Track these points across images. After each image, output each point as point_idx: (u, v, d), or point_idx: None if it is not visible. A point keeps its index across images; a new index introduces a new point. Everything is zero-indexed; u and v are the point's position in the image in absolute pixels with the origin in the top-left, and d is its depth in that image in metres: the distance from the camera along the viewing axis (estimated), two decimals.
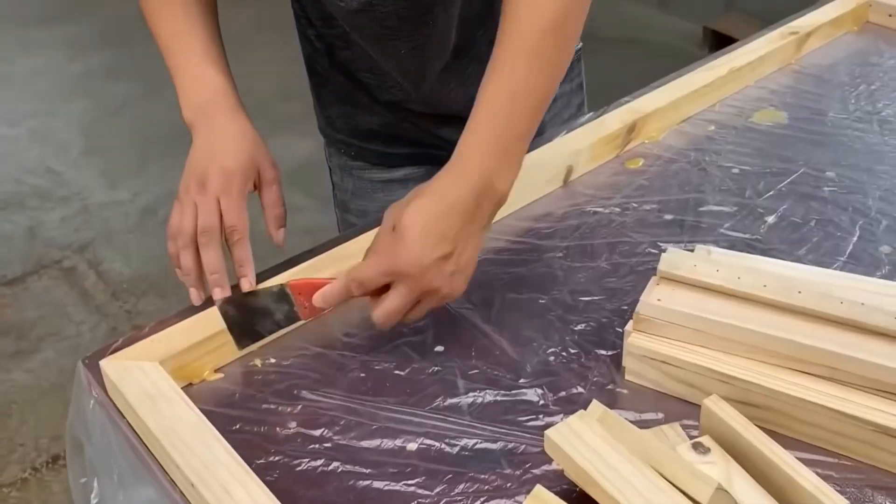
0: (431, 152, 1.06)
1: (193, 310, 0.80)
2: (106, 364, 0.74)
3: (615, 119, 1.07)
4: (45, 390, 1.86)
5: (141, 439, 0.71)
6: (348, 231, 0.91)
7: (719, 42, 2.93)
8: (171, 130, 2.88)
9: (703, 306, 0.73)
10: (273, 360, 0.79)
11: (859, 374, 0.67)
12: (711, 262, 0.78)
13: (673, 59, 1.23)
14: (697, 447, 0.64)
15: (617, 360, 0.78)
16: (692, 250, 0.84)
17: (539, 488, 0.63)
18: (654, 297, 0.75)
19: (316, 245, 0.88)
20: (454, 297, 0.76)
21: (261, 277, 0.82)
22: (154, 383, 0.72)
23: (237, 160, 0.82)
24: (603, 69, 3.21)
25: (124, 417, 0.73)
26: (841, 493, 0.63)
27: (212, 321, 0.78)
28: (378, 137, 1.07)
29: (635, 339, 0.75)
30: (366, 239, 0.83)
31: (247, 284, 0.80)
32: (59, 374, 1.86)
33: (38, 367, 1.93)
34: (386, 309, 0.73)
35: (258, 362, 0.79)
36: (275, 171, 0.86)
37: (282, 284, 0.76)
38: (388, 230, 0.74)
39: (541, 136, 1.04)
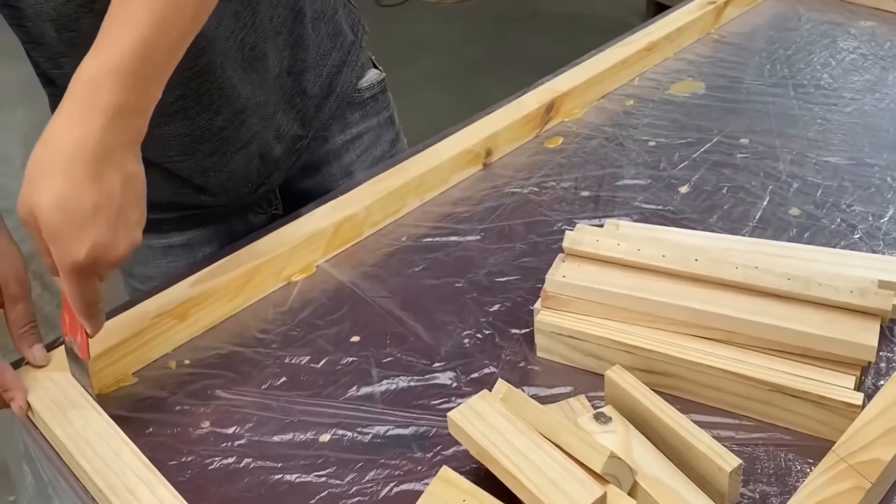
0: (202, 213, 0.97)
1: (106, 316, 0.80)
2: None
3: (532, 99, 1.08)
4: None
5: (54, 449, 0.71)
6: (136, 295, 0.83)
7: (661, 11, 2.94)
8: None
9: (605, 279, 0.74)
10: (187, 362, 0.79)
11: (754, 335, 0.68)
12: (616, 235, 0.79)
13: (615, 32, 1.24)
14: (599, 417, 0.65)
15: (530, 338, 0.78)
16: (603, 225, 0.85)
17: (445, 469, 0.64)
18: (560, 274, 0.76)
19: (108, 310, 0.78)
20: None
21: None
22: (63, 392, 0.72)
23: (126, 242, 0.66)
24: (545, 45, 3.24)
25: (37, 429, 0.73)
26: (740, 452, 0.65)
27: (122, 327, 0.78)
28: (165, 206, 0.94)
29: (543, 317, 0.76)
30: (155, 302, 0.80)
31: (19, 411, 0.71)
32: None
33: None
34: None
35: (173, 364, 0.79)
36: (21, 287, 0.75)
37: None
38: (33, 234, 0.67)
39: (351, 178, 1.01)
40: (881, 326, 0.70)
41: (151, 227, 0.89)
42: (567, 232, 0.79)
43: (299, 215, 0.91)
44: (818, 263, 0.75)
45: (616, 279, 0.74)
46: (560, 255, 0.79)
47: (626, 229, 0.82)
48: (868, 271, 0.73)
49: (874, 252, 0.84)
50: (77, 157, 0.62)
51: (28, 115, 2.91)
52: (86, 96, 0.62)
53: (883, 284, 0.70)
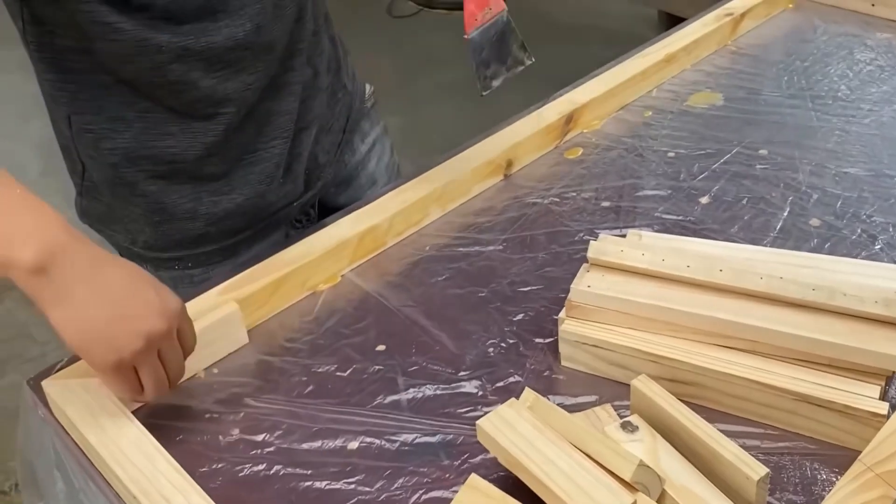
0: (263, 225, 0.97)
1: None
2: (48, 384, 0.75)
3: (552, 111, 1.09)
4: (10, 413, 1.85)
5: (86, 456, 0.72)
6: None
7: (674, 23, 2.96)
8: None
9: (630, 290, 0.75)
10: (216, 371, 0.80)
11: (779, 345, 0.69)
12: (639, 246, 0.79)
13: (628, 44, 1.25)
14: (626, 426, 0.66)
15: (554, 348, 0.79)
16: (625, 236, 0.86)
17: (474, 477, 0.64)
18: (585, 284, 0.77)
19: None
20: None
21: None
22: (96, 400, 0.73)
23: (173, 296, 0.70)
24: (560, 56, 3.24)
25: (69, 435, 0.74)
26: (766, 461, 0.65)
27: None
28: (209, 238, 0.94)
29: (568, 326, 0.77)
30: None
31: None
32: None
33: (2, 391, 1.92)
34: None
35: (202, 373, 0.80)
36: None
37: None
38: None
39: (375, 187, 1.07)
40: None
41: (224, 256, 0.95)
42: (591, 242, 0.80)
43: (324, 225, 0.92)
44: (841, 274, 0.75)
45: (640, 289, 0.75)
46: (584, 266, 0.80)
47: (648, 239, 0.83)
48: (892, 282, 0.74)
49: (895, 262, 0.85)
50: None
51: (44, 126, 2.94)
52: None
53: None
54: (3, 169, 0.69)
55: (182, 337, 0.71)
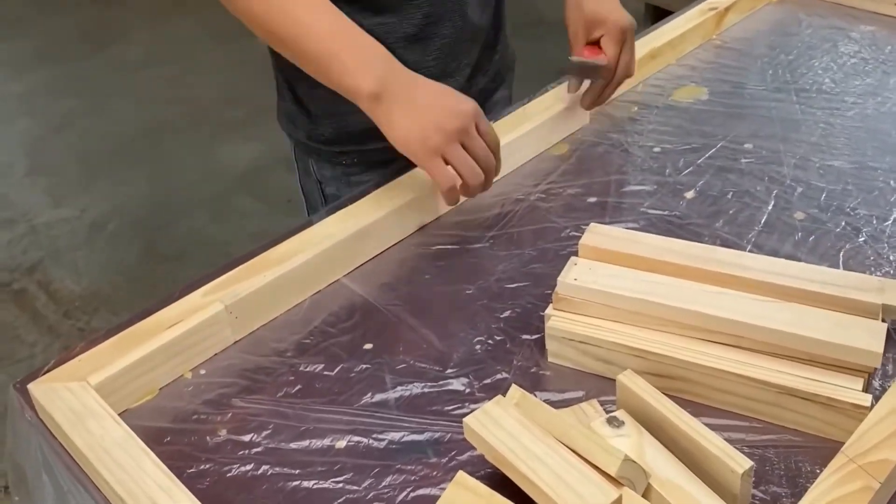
0: None
1: (120, 327, 0.81)
2: (34, 387, 0.75)
3: (539, 105, 1.08)
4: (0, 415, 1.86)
5: (73, 458, 0.72)
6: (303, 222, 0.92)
7: (661, 16, 2.96)
8: (116, 145, 2.90)
9: (616, 283, 0.75)
10: (203, 372, 0.80)
11: (762, 340, 0.69)
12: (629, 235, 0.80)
13: None
14: (612, 421, 0.66)
15: (541, 344, 0.79)
16: None
17: (461, 474, 0.65)
18: (571, 277, 0.77)
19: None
20: None
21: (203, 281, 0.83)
22: (82, 402, 0.73)
23: (468, 102, 0.87)
24: (547, 51, 3.24)
25: (56, 438, 0.74)
26: (751, 454, 0.66)
27: (138, 335, 0.79)
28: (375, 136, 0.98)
29: (554, 322, 0.77)
30: (171, 311, 0.81)
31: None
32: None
33: None
34: (633, 62, 1.02)
35: (188, 374, 0.80)
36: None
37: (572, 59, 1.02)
38: (581, 36, 1.01)
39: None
40: (889, 330, 0.71)
41: (382, 158, 1.00)
42: (589, 228, 0.80)
43: (311, 223, 0.92)
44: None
45: (627, 283, 0.75)
46: (572, 258, 0.80)
47: (595, 237, 0.83)
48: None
49: (879, 255, 0.85)
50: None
51: (31, 126, 2.94)
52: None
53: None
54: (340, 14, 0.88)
55: (483, 134, 0.87)
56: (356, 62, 0.86)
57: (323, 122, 1.07)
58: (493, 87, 1.16)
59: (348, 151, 1.09)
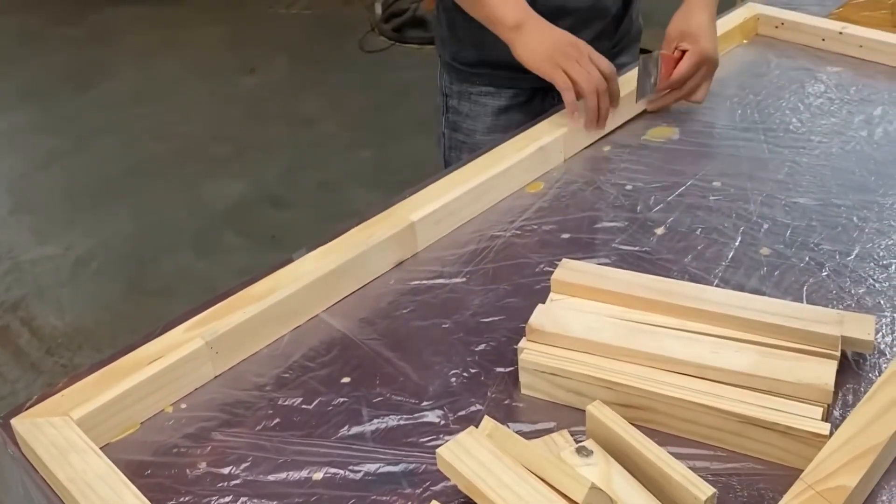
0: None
1: (103, 363, 0.83)
2: (16, 422, 0.76)
3: (513, 147, 1.12)
4: None
5: (55, 492, 0.73)
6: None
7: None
8: (101, 182, 2.91)
9: (588, 322, 0.78)
10: (184, 406, 0.82)
11: (724, 374, 0.72)
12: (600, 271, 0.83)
13: None
14: (581, 451, 0.68)
15: (514, 376, 0.82)
16: None
17: None
18: (544, 310, 0.80)
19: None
20: None
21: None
22: (64, 437, 0.74)
23: (580, 41, 1.13)
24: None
25: (38, 472, 0.75)
26: (715, 482, 0.68)
27: (121, 370, 0.80)
28: (507, 65, 1.21)
29: (527, 355, 0.79)
30: (154, 346, 0.83)
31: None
32: None
33: None
34: (704, 89, 1.19)
35: (169, 408, 0.81)
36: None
37: (657, 52, 1.17)
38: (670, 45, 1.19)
39: None
40: (848, 360, 0.74)
41: (510, 83, 1.31)
42: (561, 263, 0.82)
43: (290, 260, 0.94)
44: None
45: (596, 321, 0.78)
46: (552, 294, 0.83)
47: (566, 272, 0.86)
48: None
49: (842, 289, 0.88)
50: None
51: (16, 164, 2.95)
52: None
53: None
54: None
55: (596, 61, 1.11)
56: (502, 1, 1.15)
57: (467, 46, 1.31)
58: (616, 51, 1.34)
59: (482, 74, 1.32)
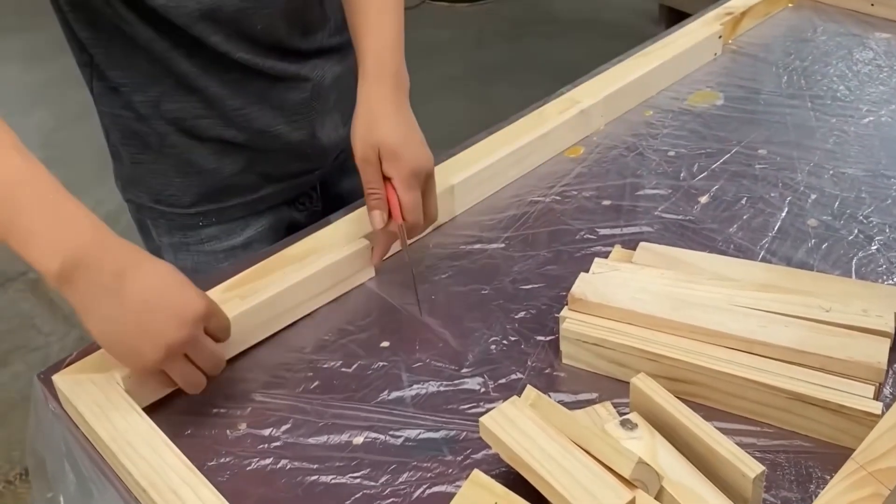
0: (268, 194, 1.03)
1: None
2: (58, 378, 0.77)
3: (553, 109, 1.09)
4: (15, 403, 1.88)
5: (96, 449, 0.74)
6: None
7: (675, 17, 2.97)
8: None
9: (631, 293, 0.77)
10: (223, 367, 0.82)
11: (772, 350, 0.71)
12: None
13: (628, 38, 1.27)
14: (625, 424, 0.67)
15: (555, 345, 0.81)
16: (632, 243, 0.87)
17: (476, 472, 0.66)
18: (586, 279, 0.79)
19: None
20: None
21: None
22: (106, 395, 0.74)
23: (200, 296, 0.71)
24: (560, 50, 3.25)
25: (79, 429, 0.75)
26: (762, 459, 0.67)
27: None
28: (237, 189, 1.00)
29: (569, 325, 0.78)
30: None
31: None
32: (28, 386, 1.87)
33: (7, 381, 1.94)
34: (431, 208, 0.88)
35: None
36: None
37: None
38: (374, 161, 0.83)
39: None
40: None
41: (245, 211, 1.02)
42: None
43: (329, 222, 0.93)
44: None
45: (641, 294, 0.76)
46: (596, 259, 0.81)
47: (645, 255, 0.84)
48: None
49: (892, 263, 0.86)
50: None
51: (46, 116, 2.95)
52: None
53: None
54: (35, 161, 0.70)
55: (213, 332, 0.74)
56: (39, 236, 0.66)
57: (174, 181, 0.98)
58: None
59: (203, 212, 0.99)
